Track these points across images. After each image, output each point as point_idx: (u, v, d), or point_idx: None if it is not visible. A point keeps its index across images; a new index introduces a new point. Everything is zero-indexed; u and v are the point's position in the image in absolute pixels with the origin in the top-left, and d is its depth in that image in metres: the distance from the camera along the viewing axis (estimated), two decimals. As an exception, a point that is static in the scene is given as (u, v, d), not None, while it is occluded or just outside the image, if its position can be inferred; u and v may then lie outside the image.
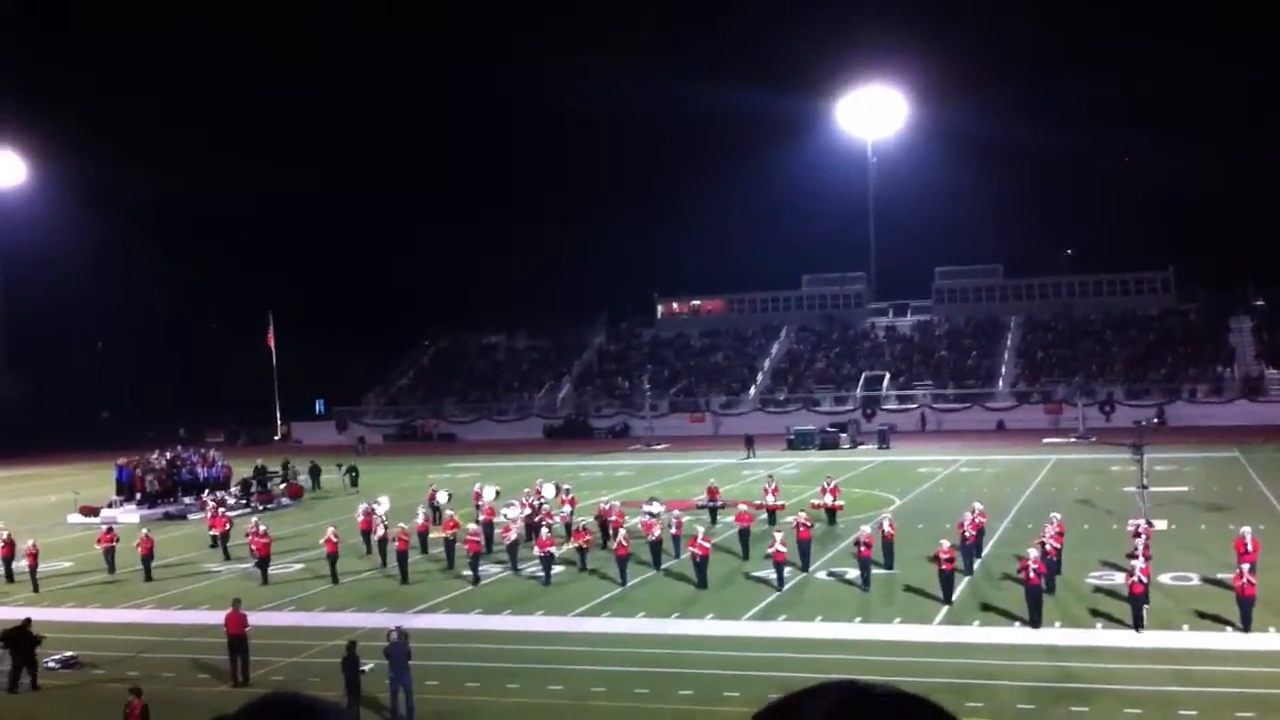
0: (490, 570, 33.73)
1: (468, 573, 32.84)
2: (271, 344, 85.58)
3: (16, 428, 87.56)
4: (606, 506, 37.09)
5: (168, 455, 55.12)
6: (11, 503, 57.84)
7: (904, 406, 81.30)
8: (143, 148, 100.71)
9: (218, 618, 25.75)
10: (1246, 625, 23.65)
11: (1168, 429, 68.95)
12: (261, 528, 35.04)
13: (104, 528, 38.67)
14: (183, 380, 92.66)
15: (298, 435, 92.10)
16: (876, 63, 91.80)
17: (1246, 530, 27.33)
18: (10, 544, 36.17)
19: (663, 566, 32.69)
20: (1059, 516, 31.06)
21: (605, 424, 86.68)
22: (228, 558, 38.27)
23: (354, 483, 56.81)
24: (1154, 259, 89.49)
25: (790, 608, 28.02)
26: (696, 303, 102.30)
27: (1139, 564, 24.67)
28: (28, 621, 25.04)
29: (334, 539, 33.86)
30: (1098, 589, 28.09)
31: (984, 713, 19.96)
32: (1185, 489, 45.15)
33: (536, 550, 32.26)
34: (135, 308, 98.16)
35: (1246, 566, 24.56)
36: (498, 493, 41.55)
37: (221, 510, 41.58)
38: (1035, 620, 24.66)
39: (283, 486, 54.90)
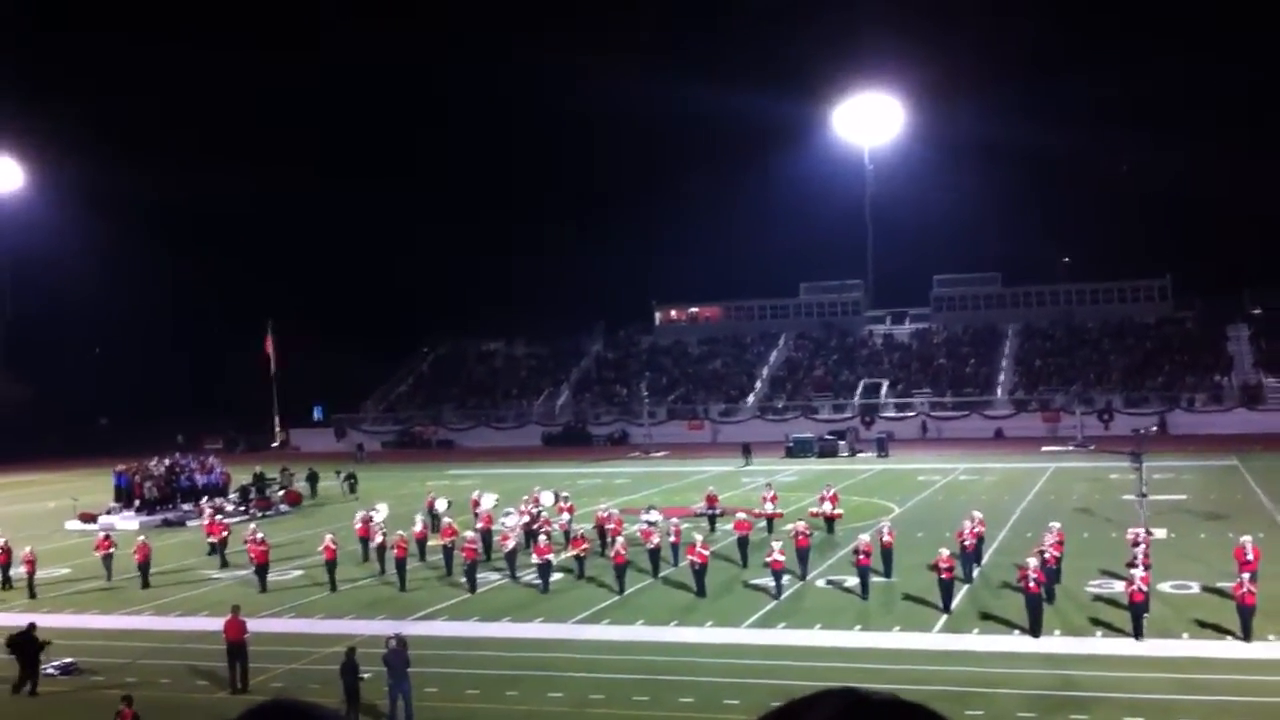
0: (489, 578, 33.73)
1: (454, 579, 32.82)
2: (270, 351, 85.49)
3: (15, 433, 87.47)
4: (605, 514, 37.01)
5: (166, 462, 55.08)
6: (10, 509, 57.78)
7: (902, 414, 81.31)
8: (142, 151, 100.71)
9: (217, 624, 25.74)
10: (1247, 634, 23.64)
11: (1167, 437, 69.02)
12: (259, 535, 34.98)
13: (101, 534, 38.64)
14: (182, 387, 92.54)
15: (296, 442, 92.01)
16: (874, 69, 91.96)
17: (1247, 539, 27.34)
18: (7, 550, 36.13)
19: (661, 575, 32.68)
20: (1058, 525, 31.06)
21: (604, 431, 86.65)
22: (225, 565, 38.22)
23: (353, 489, 56.80)
24: (1152, 267, 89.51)
25: (789, 616, 28.01)
26: (695, 310, 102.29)
27: (1139, 573, 24.66)
28: (32, 626, 25.06)
29: (333, 546, 33.83)
30: (1097, 597, 28.09)
31: (984, 721, 19.99)
32: (1184, 497, 45.16)
33: (534, 558, 32.21)
34: (134, 314, 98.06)
35: (1247, 576, 24.53)
36: (496, 500, 41.51)
37: (219, 517, 41.50)
38: (1035, 629, 24.66)
39: (281, 493, 54.88)
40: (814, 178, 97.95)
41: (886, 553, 31.26)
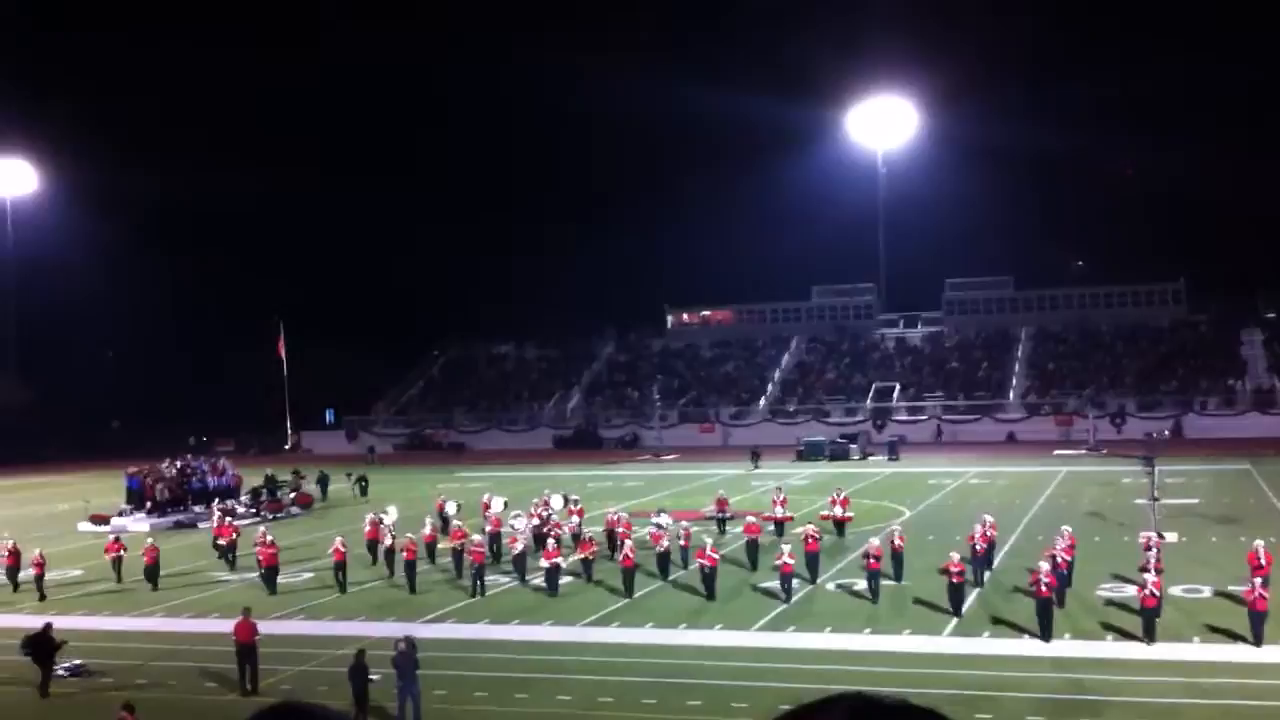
0: (498, 581, 33.70)
1: (463, 582, 32.81)
2: (282, 353, 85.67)
3: (27, 436, 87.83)
4: (614, 518, 36.95)
5: (178, 464, 55.19)
6: (22, 511, 57.97)
7: (914, 418, 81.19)
8: (153, 153, 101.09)
9: (227, 626, 25.76)
10: (1259, 640, 23.51)
11: (1182, 441, 68.86)
12: (269, 537, 34.90)
13: (112, 537, 38.67)
14: (193, 389, 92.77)
15: (308, 444, 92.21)
16: (887, 73, 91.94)
17: (1260, 544, 27.18)
18: (15, 553, 36.17)
19: (670, 578, 32.62)
20: (1070, 529, 30.91)
21: (615, 434, 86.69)
22: (231, 567, 38.05)
23: (364, 492, 56.86)
24: (1166, 270, 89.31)
25: (799, 619, 27.95)
26: (706, 313, 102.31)
27: (1151, 577, 24.55)
28: (48, 627, 25.12)
29: (342, 548, 33.82)
30: (1109, 602, 27.96)
31: (994, 725, 19.91)
32: (1196, 501, 45.03)
33: (543, 561, 32.14)
34: (146, 316, 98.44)
35: (1259, 580, 24.38)
36: (505, 503, 41.49)
37: (228, 520, 41.48)
38: (1045, 634, 24.54)
39: (292, 496, 54.95)
40: (826, 181, 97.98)
41: (897, 557, 31.15)
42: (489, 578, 33.16)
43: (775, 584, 30.04)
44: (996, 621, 26.50)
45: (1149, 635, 23.96)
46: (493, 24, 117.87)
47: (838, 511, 39.27)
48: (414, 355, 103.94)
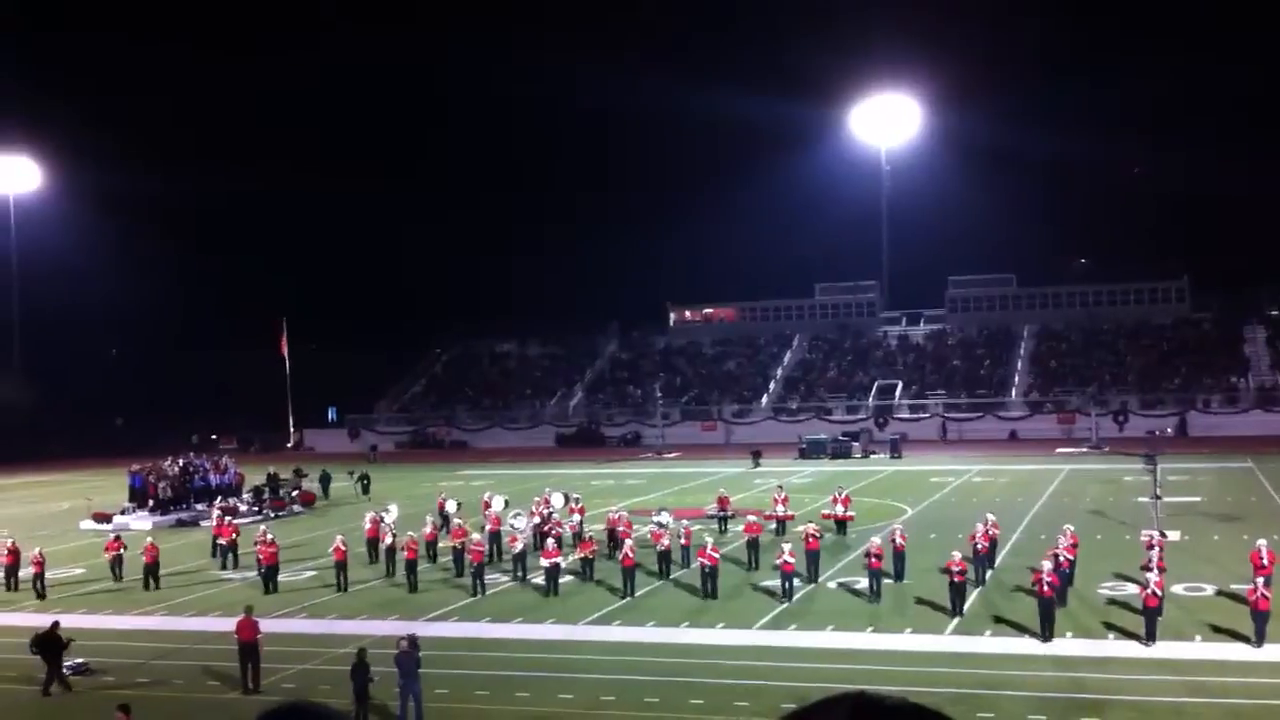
0: (498, 580, 33.67)
1: (464, 580, 32.78)
2: (285, 351, 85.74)
3: (30, 433, 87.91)
4: (615, 516, 36.86)
5: (181, 462, 55.22)
6: (25, 509, 58.05)
7: (916, 416, 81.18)
8: (155, 151, 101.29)
9: (229, 625, 25.76)
10: (1260, 639, 23.44)
11: (1187, 439, 68.86)
12: (269, 536, 34.85)
13: (112, 535, 38.61)
14: (196, 387, 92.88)
15: (310, 442, 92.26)
16: (891, 71, 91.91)
17: (1263, 543, 27.07)
18: (15, 551, 36.14)
19: (671, 577, 32.59)
20: (1072, 528, 30.89)
21: (617, 432, 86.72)
22: (225, 566, 37.81)
23: (366, 490, 56.87)
24: (1168, 268, 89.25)
25: (799, 618, 27.93)
26: (709, 311, 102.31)
27: (1153, 576, 24.49)
28: (56, 625, 25.14)
29: (343, 547, 33.81)
30: (1111, 601, 27.94)
31: (995, 724, 19.89)
32: (1198, 499, 45.01)
33: (543, 561, 32.07)
34: (148, 314, 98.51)
35: (1261, 580, 24.30)
36: (506, 502, 41.46)
37: (228, 519, 41.36)
38: (1047, 633, 24.49)
39: (295, 493, 54.97)
40: (830, 178, 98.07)
41: (899, 555, 31.12)
42: (489, 577, 33.16)
43: (776, 583, 30.02)
44: (998, 621, 26.48)
45: (1150, 636, 23.91)
46: (493, 24, 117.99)
47: (839, 510, 39.27)
48: (416, 353, 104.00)
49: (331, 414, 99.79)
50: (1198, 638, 24.57)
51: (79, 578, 37.50)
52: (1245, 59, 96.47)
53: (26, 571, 35.08)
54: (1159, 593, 24.10)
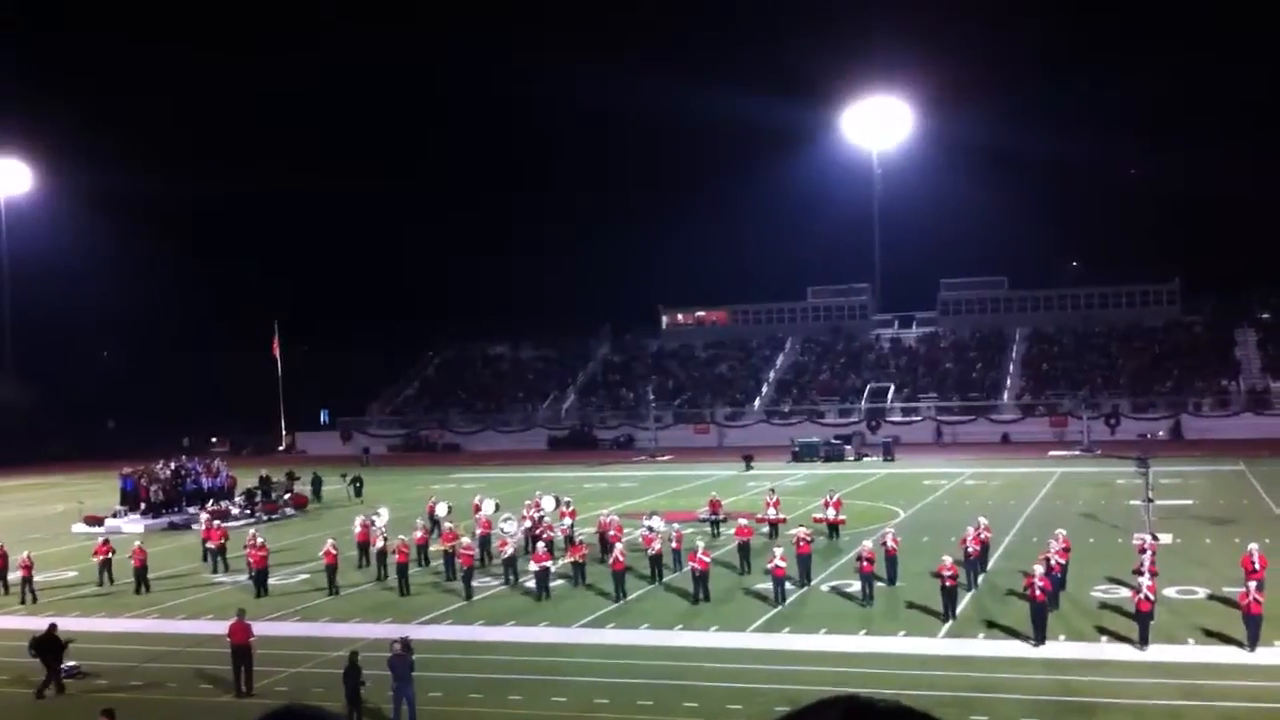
0: (488, 584, 33.59)
1: (455, 584, 32.72)
2: (277, 353, 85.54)
3: (21, 436, 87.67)
4: (606, 520, 36.77)
5: (172, 465, 55.12)
6: (16, 512, 57.90)
7: (909, 419, 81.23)
8: (147, 153, 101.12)
9: (221, 628, 25.73)
10: (1253, 644, 23.44)
11: (1181, 442, 68.98)
12: (259, 540, 34.78)
13: (100, 539, 38.38)
14: (188, 389, 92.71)
15: (302, 445, 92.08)
16: (882, 73, 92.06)
17: (1254, 547, 27.03)
18: (3, 555, 35.98)
19: (663, 580, 32.54)
20: (1064, 532, 30.90)
21: (610, 435, 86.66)
22: (216, 570, 37.66)
23: (358, 493, 56.79)
24: (1160, 271, 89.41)
25: (793, 621, 27.93)
26: (701, 314, 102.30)
27: (1146, 580, 24.49)
28: (53, 627, 25.10)
29: (333, 551, 33.76)
30: (1103, 605, 27.96)
31: (988, 727, 19.92)
32: (1190, 502, 45.07)
33: (532, 565, 31.96)
34: (140, 316, 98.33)
35: (1254, 585, 24.30)
36: (497, 505, 41.41)
37: (216, 523, 41.19)
38: (1040, 637, 24.50)
39: (288, 496, 54.87)
40: (822, 181, 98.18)
41: (890, 559, 31.12)
42: (479, 581, 33.11)
43: (768, 586, 30.00)
44: (990, 625, 26.48)
45: (1143, 640, 23.93)
46: (493, 24, 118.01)
47: (830, 514, 39.21)
48: (409, 355, 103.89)
49: (324, 416, 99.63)
50: (1190, 641, 24.61)
51: (70, 581, 37.42)
52: (1242, 60, 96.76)
53: (16, 575, 34.98)
54: (1151, 597, 24.12)
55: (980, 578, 30.89)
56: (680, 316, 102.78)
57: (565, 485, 55.87)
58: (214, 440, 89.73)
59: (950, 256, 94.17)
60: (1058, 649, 24.38)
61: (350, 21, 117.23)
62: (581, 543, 34.44)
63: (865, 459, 68.09)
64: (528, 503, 40.84)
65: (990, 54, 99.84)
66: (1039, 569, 25.28)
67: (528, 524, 37.66)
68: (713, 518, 41.07)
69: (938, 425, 79.28)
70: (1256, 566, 25.96)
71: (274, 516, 51.54)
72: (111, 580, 35.75)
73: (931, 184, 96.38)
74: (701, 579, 30.08)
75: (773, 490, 42.81)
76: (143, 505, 51.84)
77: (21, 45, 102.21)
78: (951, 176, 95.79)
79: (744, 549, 34.05)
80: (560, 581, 32.79)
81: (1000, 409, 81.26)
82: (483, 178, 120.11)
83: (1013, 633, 25.57)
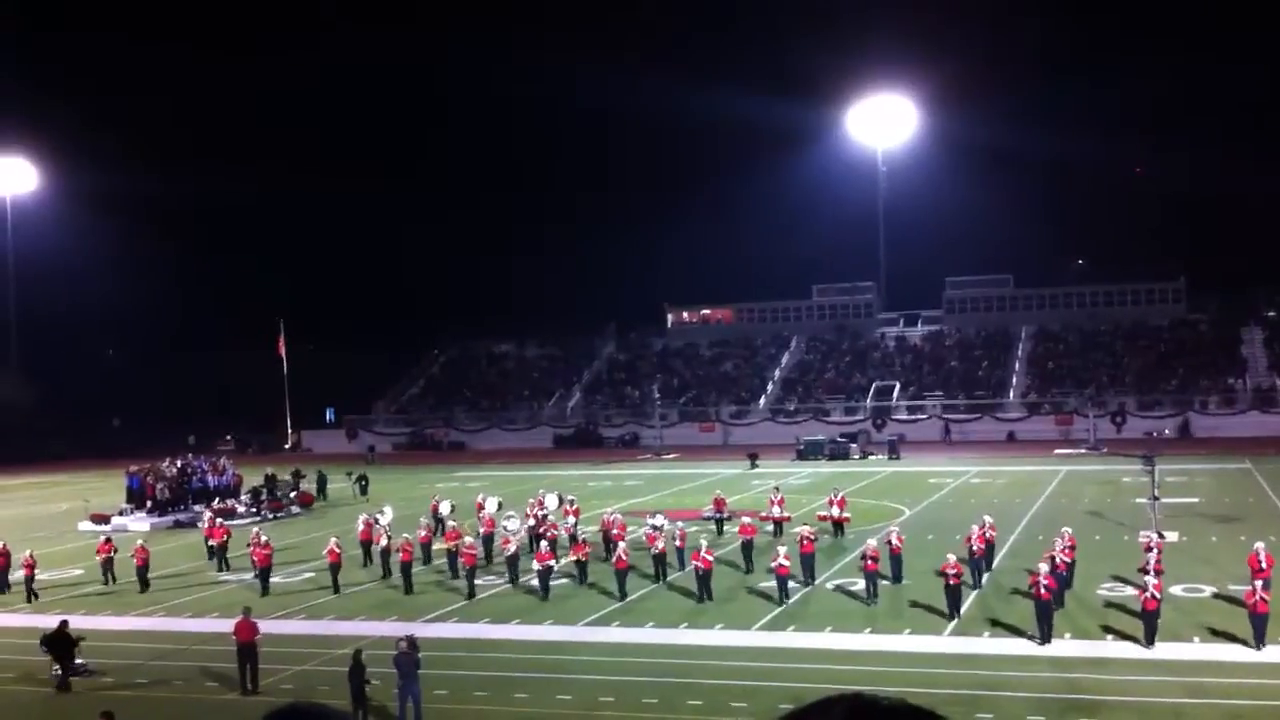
0: (492, 582, 33.57)
1: (459, 582, 32.71)
2: (282, 352, 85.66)
3: (27, 434, 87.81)
4: (610, 519, 36.70)
5: (178, 463, 55.16)
6: (23, 510, 58.00)
7: (914, 417, 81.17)
8: (153, 152, 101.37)
9: (226, 626, 25.76)
10: (1260, 643, 23.36)
11: (1189, 440, 68.91)
12: (263, 538, 34.74)
13: (103, 538, 38.32)
14: (193, 388, 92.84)
15: (308, 443, 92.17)
16: (887, 72, 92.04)
17: (1260, 546, 26.94)
18: (6, 553, 35.99)
19: (666, 579, 32.48)
20: (1070, 530, 30.82)
21: (615, 433, 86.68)
22: (222, 569, 37.63)
23: (364, 491, 56.83)
24: (1165, 269, 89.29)
25: (797, 619, 27.92)
26: (706, 312, 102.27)
27: (1152, 579, 24.43)
28: (64, 624, 25.15)
29: (337, 549, 33.75)
30: (1108, 603, 27.91)
31: (993, 725, 19.90)
32: (1196, 500, 45.03)
33: (535, 564, 31.90)
34: (146, 315, 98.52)
35: (1260, 583, 24.22)
36: (500, 504, 41.38)
37: (219, 520, 41.20)
38: (1045, 636, 24.45)
39: (293, 495, 54.91)
40: (827, 179, 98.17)
41: (895, 558, 31.04)
42: (482, 579, 33.08)
43: (772, 584, 29.94)
44: (995, 624, 26.44)
45: (1149, 639, 23.87)
46: (493, 24, 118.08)
47: (835, 512, 39.16)
48: (415, 354, 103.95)
49: (329, 415, 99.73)
50: (1196, 639, 24.57)
51: (75, 579, 37.45)
52: (1244, 60, 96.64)
53: (18, 574, 34.99)
54: (1157, 595, 24.06)
55: (985, 576, 30.85)
56: (685, 315, 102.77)
57: (570, 483, 55.89)
58: (229, 438, 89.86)
59: (955, 255, 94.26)
60: (1063, 647, 24.35)
61: (350, 21, 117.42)
62: (584, 542, 34.42)
63: (870, 457, 68.06)
64: (531, 501, 40.83)
65: (994, 53, 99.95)
66: (1044, 567, 25.23)
67: (531, 522, 37.63)
68: (717, 516, 41.05)
69: (946, 424, 79.22)
70: (1263, 565, 25.88)
71: (279, 515, 51.60)
72: (114, 579, 35.77)
73: (936, 182, 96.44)
74: (704, 578, 30.02)
75: (777, 489, 42.77)
76: (149, 503, 51.91)
77: (22, 45, 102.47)
78: (956, 175, 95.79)
79: (747, 547, 33.98)
80: (563, 580, 32.76)
81: (1006, 407, 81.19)
82: (483, 178, 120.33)
83: (1018, 631, 25.54)
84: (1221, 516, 41.00)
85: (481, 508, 40.20)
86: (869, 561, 28.90)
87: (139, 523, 49.32)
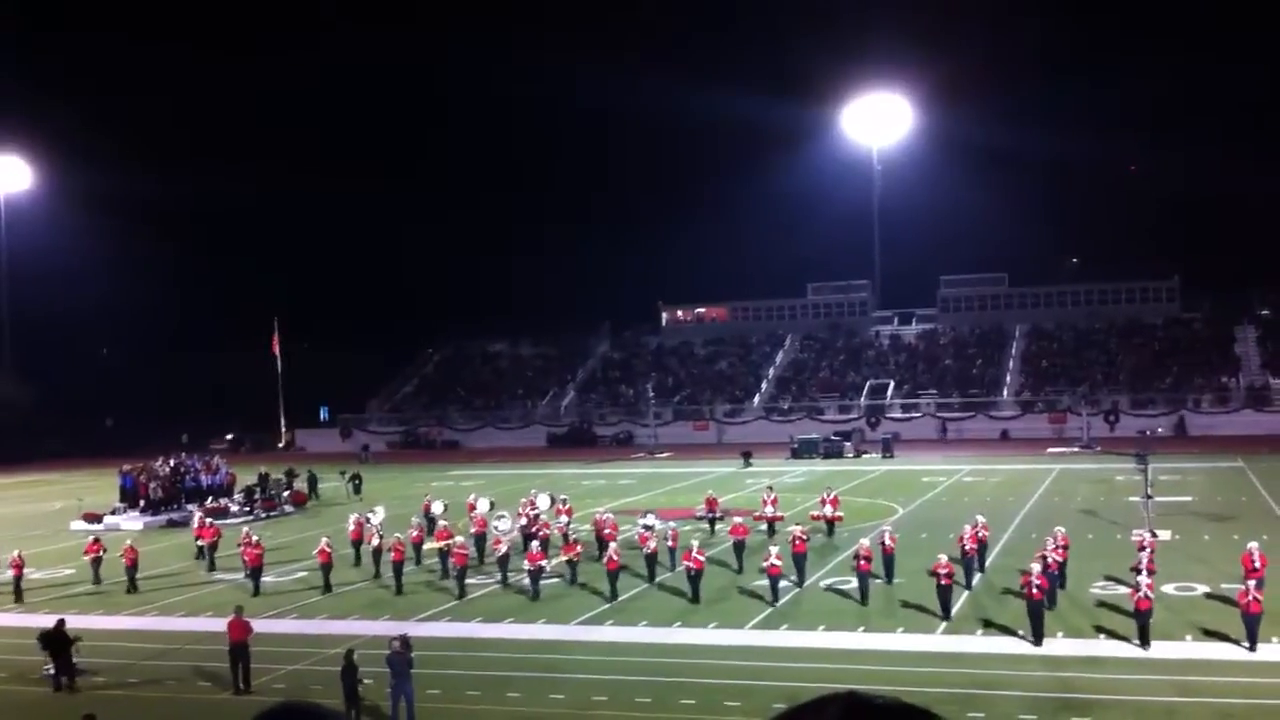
0: (483, 582, 33.48)
1: (450, 582, 32.64)
2: (276, 351, 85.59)
3: (21, 433, 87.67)
4: (601, 518, 36.58)
5: (172, 462, 55.10)
6: (15, 509, 57.90)
7: (908, 415, 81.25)
8: (148, 151, 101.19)
9: (219, 625, 25.71)
10: (1253, 643, 23.34)
11: (1184, 439, 69.01)
12: (254, 538, 34.63)
13: (91, 538, 38.02)
14: (187, 387, 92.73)
15: (301, 442, 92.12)
16: (882, 70, 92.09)
17: (1254, 546, 26.94)
18: None
19: (657, 580, 32.39)
20: (1063, 530, 30.84)
21: (609, 432, 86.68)
22: (212, 568, 37.52)
23: (357, 490, 56.78)
24: (1159, 268, 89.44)
25: (791, 618, 27.91)
26: (701, 310, 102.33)
27: (1144, 579, 24.41)
28: (61, 623, 25.09)
29: (327, 549, 33.68)
30: (1101, 603, 27.92)
31: (986, 724, 19.90)
32: (1189, 499, 45.07)
33: (526, 564, 31.72)
34: (140, 313, 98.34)
35: (1253, 583, 24.19)
36: (492, 504, 41.35)
37: (209, 520, 41.07)
38: (1037, 637, 24.43)
39: (286, 494, 54.86)
40: (821, 178, 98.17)
41: (888, 558, 31.02)
42: (473, 579, 33.01)
43: (764, 583, 29.87)
44: (988, 625, 26.41)
45: (1144, 640, 23.84)
46: (493, 24, 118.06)
47: (828, 511, 39.15)
48: (409, 353, 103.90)
49: (323, 413, 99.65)
50: (1188, 638, 24.59)
51: (67, 579, 37.36)
52: (1242, 59, 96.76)
53: (5, 574, 34.83)
54: (1150, 595, 24.05)
55: (977, 578, 30.79)
56: (680, 313, 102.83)
57: (564, 482, 55.89)
58: (229, 437, 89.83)
59: (950, 254, 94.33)
60: (1056, 646, 24.36)
61: (350, 21, 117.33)
62: (576, 541, 34.32)
63: (864, 455, 68.11)
64: (523, 501, 40.75)
65: (990, 52, 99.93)
66: (1036, 567, 25.22)
67: (523, 522, 37.58)
68: (709, 515, 41.01)
69: (942, 422, 79.31)
70: (1257, 565, 25.89)
71: (273, 514, 51.55)
72: (101, 579, 35.53)
73: (931, 181, 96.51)
74: (696, 578, 29.93)
75: (770, 488, 42.76)
76: (142, 502, 51.86)
77: (21, 45, 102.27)
78: (951, 174, 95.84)
79: (739, 548, 33.92)
80: (554, 580, 32.68)
81: (1000, 405, 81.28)
82: (483, 178, 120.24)
83: (1010, 631, 25.53)
84: (1215, 515, 41.06)
85: (473, 508, 40.15)
86: (862, 562, 28.84)
87: (132, 522, 49.26)
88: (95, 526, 47.39)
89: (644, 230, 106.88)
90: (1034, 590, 24.53)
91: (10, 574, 34.19)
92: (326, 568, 33.45)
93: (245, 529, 37.37)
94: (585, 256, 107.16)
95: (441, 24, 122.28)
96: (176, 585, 35.66)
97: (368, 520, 37.86)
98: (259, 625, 26.10)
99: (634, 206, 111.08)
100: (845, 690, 2.15)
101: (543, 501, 40.53)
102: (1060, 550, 28.99)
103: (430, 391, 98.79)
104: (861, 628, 26.66)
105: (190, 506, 51.29)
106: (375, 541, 35.68)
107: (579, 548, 33.80)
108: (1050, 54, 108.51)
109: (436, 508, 42.09)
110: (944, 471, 58.32)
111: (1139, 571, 25.40)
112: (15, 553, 34.72)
